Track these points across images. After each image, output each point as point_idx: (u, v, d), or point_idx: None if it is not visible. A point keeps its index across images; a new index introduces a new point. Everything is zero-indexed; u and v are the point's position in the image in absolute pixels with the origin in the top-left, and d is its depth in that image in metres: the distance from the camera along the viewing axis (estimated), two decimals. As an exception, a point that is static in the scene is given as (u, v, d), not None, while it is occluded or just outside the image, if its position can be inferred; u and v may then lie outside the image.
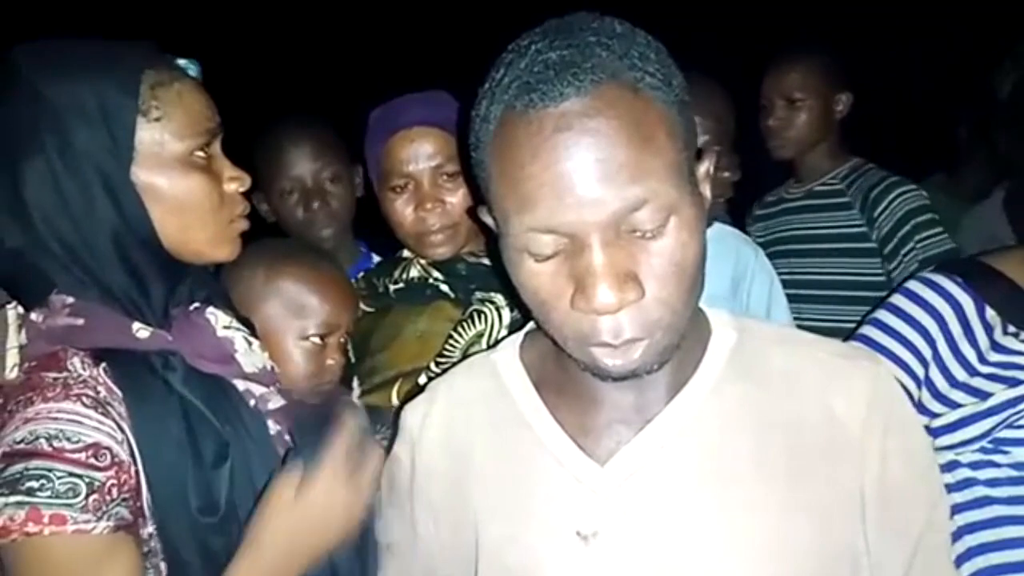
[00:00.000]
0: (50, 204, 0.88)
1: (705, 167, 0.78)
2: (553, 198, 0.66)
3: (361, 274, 1.47)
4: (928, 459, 0.85)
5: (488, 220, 0.80)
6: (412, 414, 0.97)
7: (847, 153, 2.26)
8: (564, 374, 0.85)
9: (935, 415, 1.19)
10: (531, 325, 0.94)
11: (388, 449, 1.01)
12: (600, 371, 0.74)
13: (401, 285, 1.38)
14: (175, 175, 0.92)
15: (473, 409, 0.91)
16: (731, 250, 1.74)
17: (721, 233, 1.74)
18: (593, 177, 0.66)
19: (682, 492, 0.78)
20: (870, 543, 0.78)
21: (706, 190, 0.78)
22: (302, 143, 1.68)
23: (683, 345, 0.78)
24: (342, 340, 1.15)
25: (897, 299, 1.26)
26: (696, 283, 0.74)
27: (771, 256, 2.28)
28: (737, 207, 2.14)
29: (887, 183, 2.12)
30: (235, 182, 0.98)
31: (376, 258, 1.85)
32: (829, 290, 2.19)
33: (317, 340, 1.10)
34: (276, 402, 1.00)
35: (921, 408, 1.21)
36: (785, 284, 2.20)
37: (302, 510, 0.91)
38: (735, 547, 0.76)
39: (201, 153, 0.94)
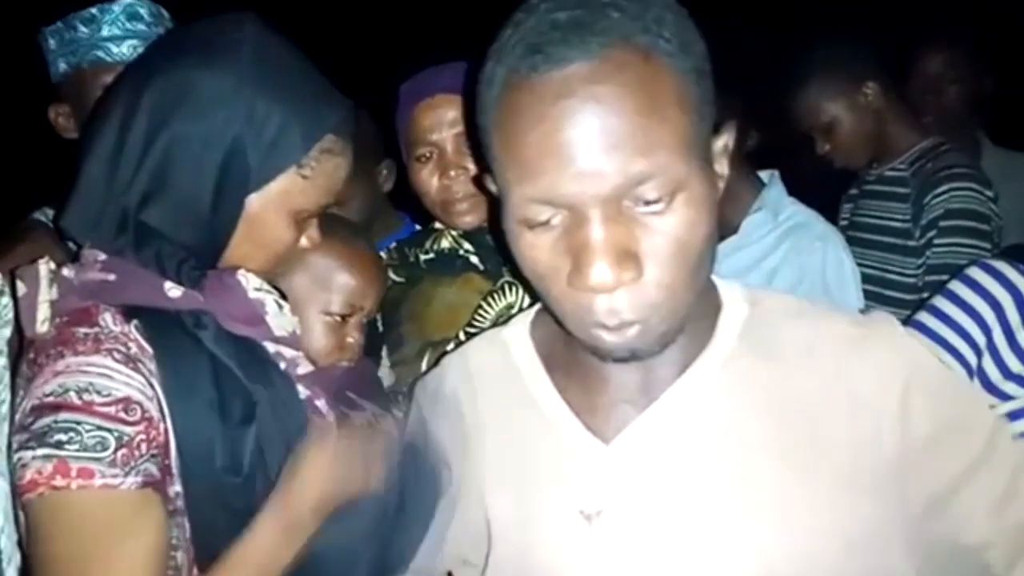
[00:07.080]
0: (169, 165, 0.89)
1: (723, 141, 0.74)
2: (553, 168, 0.64)
3: (394, 244, 1.46)
4: (961, 408, 0.77)
5: (492, 188, 0.77)
6: (423, 388, 0.96)
7: (921, 134, 2.08)
8: (571, 352, 0.83)
9: None
10: None
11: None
12: (599, 351, 0.72)
13: (432, 256, 1.37)
14: (279, 222, 0.95)
15: (482, 385, 0.90)
16: None
17: None
18: (596, 147, 0.62)
19: (690, 472, 0.75)
20: (925, 506, 0.73)
21: (722, 166, 0.74)
22: None
23: (691, 322, 0.75)
24: (364, 320, 1.13)
25: (955, 285, 1.21)
26: (702, 264, 0.70)
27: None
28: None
29: (945, 173, 1.90)
30: (309, 241, 1.01)
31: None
32: (867, 285, 2.00)
33: (338, 317, 1.09)
34: (305, 367, 0.99)
35: None
36: None
37: (332, 461, 0.92)
38: (745, 527, 0.73)
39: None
